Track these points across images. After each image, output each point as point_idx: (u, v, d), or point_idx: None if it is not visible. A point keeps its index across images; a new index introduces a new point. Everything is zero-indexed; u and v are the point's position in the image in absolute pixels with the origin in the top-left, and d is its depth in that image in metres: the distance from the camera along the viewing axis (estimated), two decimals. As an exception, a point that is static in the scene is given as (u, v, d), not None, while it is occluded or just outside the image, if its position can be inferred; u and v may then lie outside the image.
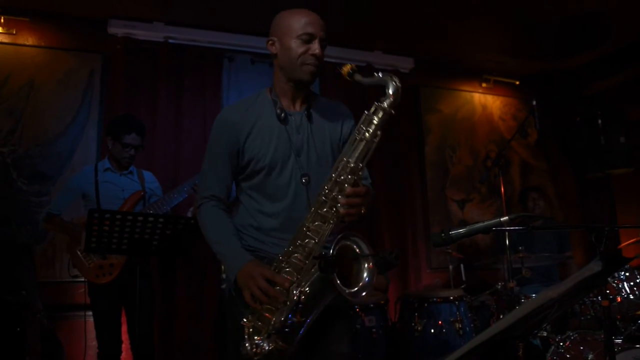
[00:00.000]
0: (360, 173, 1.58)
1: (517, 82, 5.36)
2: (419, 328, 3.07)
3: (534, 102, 3.26)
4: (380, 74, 1.62)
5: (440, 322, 3.11)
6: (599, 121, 4.76)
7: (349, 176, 1.56)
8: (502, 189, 3.20)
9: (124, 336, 2.99)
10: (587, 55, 4.99)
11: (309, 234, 1.56)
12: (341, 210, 1.53)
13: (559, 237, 4.18)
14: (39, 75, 3.82)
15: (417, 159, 4.96)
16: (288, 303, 1.51)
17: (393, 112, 1.59)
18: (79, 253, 2.86)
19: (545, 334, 3.02)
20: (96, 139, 3.83)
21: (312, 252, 1.53)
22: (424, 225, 4.87)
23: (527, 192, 4.43)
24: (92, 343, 2.98)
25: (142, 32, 4.05)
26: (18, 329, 2.77)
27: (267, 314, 1.54)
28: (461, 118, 5.18)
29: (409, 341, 3.12)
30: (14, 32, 3.83)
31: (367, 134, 1.57)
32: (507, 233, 3.06)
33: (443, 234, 1.70)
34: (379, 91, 4.77)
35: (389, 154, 4.70)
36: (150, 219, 2.54)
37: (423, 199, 4.91)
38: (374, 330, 3.04)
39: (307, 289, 1.51)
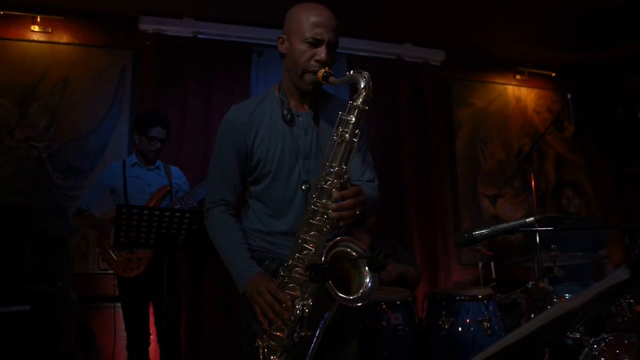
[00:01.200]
0: (345, 176, 1.54)
1: (553, 74, 5.19)
2: (446, 326, 3.02)
3: (569, 96, 3.13)
4: (350, 72, 1.57)
5: (468, 321, 3.05)
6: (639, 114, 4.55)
7: (335, 180, 1.53)
8: (533, 186, 3.09)
9: (152, 328, 3.06)
10: (628, 45, 4.77)
11: (306, 245, 1.54)
12: (332, 215, 1.50)
13: (595, 235, 4.04)
14: (73, 72, 3.91)
15: (448, 154, 4.87)
16: (292, 318, 1.49)
17: (367, 107, 1.55)
18: (107, 247, 2.93)
19: (578, 335, 2.93)
20: (127, 135, 3.91)
21: (318, 259, 1.50)
22: (454, 220, 4.79)
23: (561, 188, 4.27)
24: (122, 334, 3.05)
25: (172, 28, 4.09)
26: (52, 319, 2.87)
27: (278, 333, 1.53)
28: (494, 111, 5.05)
29: (435, 340, 3.07)
30: (50, 30, 3.93)
31: (346, 135, 1.53)
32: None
33: (466, 235, 1.65)
34: (411, 84, 4.68)
35: (419, 149, 4.63)
36: (177, 214, 2.57)
37: (453, 194, 4.83)
38: (399, 327, 3.00)
39: (310, 301, 1.48)
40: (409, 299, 3.15)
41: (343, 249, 1.51)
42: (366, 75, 1.56)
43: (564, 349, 3.20)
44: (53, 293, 3.04)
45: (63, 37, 3.97)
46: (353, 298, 1.46)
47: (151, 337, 3.04)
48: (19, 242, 2.87)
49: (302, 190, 1.69)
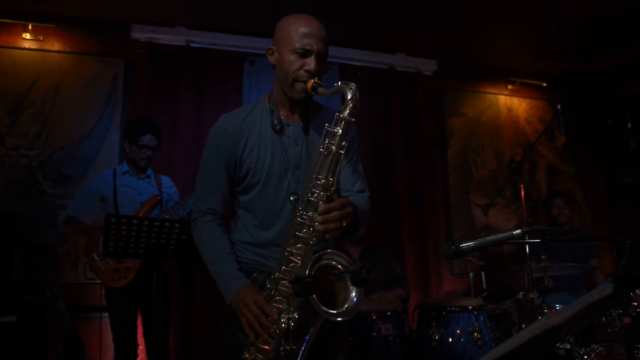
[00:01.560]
0: (332, 188, 1.54)
1: (545, 84, 5.23)
2: (436, 337, 3.01)
3: (559, 106, 3.16)
4: (338, 83, 1.58)
5: (458, 332, 3.04)
6: (629, 125, 4.58)
7: (321, 193, 1.53)
8: (523, 197, 3.10)
9: (140, 339, 3.03)
10: (618, 56, 4.81)
11: (292, 257, 1.53)
12: (318, 227, 1.49)
13: (586, 245, 4.05)
14: (65, 80, 3.90)
15: (439, 163, 4.88)
16: (278, 331, 1.48)
17: (353, 119, 1.56)
18: (95, 256, 2.91)
19: (568, 346, 2.93)
20: (119, 143, 3.90)
21: (302, 273, 1.49)
22: (446, 230, 4.80)
23: (551, 198, 4.29)
24: (110, 344, 3.02)
25: (164, 37, 4.10)
26: (40, 329, 2.83)
27: (265, 346, 1.52)
28: (486, 121, 5.08)
29: (425, 350, 3.06)
30: (41, 38, 3.92)
31: (332, 147, 1.53)
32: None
33: (454, 247, 1.65)
34: (403, 93, 4.70)
35: (411, 158, 4.64)
36: (166, 224, 2.56)
37: (445, 203, 4.83)
38: (390, 338, 2.99)
39: (295, 315, 1.47)
40: (400, 310, 3.14)
41: (328, 262, 1.50)
42: (353, 87, 1.56)
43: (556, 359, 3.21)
44: (41, 303, 3.01)
45: (54, 45, 3.96)
46: (337, 313, 1.45)
47: (139, 347, 3.01)
48: (7, 251, 2.84)
49: (290, 201, 1.69)
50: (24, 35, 3.88)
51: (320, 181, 1.53)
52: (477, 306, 3.11)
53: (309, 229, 1.52)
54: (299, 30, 1.63)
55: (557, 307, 3.19)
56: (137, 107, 3.90)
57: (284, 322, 1.46)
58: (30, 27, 3.88)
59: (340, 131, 1.54)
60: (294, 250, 1.54)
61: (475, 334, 3.00)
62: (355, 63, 4.64)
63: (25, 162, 3.72)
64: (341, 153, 1.54)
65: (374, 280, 3.45)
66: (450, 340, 3.02)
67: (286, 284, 1.52)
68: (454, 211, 4.82)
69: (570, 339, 2.95)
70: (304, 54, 1.63)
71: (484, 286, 3.57)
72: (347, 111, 1.55)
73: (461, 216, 4.84)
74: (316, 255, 1.49)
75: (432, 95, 4.91)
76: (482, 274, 3.63)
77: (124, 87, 4.02)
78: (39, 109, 3.82)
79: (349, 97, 1.55)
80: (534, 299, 2.90)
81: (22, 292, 2.94)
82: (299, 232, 1.54)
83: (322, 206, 1.51)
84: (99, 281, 2.98)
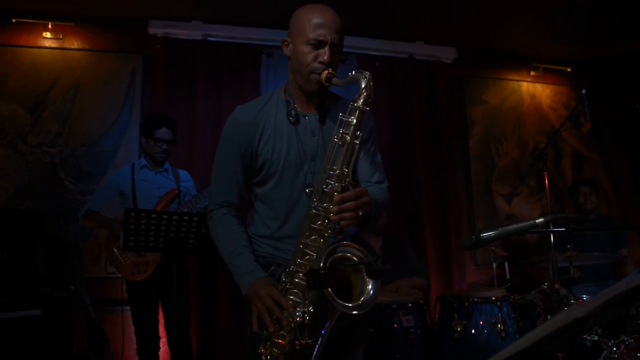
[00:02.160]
0: (347, 179, 1.51)
1: (569, 69, 5.09)
2: (459, 329, 2.96)
3: (584, 92, 3.06)
4: (352, 72, 1.56)
5: (481, 323, 2.99)
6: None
7: (336, 184, 1.50)
8: (547, 184, 3.02)
9: (162, 332, 3.06)
10: (646, 38, 4.65)
11: (307, 250, 1.51)
12: (333, 218, 1.47)
13: (613, 234, 3.93)
14: (84, 78, 3.95)
15: (461, 152, 4.80)
16: (293, 325, 1.46)
17: (367, 108, 1.53)
18: (115, 251, 2.94)
19: (596, 337, 2.85)
20: (138, 138, 3.91)
21: (316, 266, 1.47)
22: (468, 220, 4.73)
23: (577, 186, 4.17)
24: (133, 337, 3.05)
25: (181, 31, 4.11)
26: (64, 322, 2.89)
27: (280, 340, 1.50)
28: (508, 108, 4.97)
29: (447, 342, 3.01)
30: (61, 36, 3.97)
31: (347, 137, 1.51)
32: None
33: (474, 237, 1.61)
34: (422, 82, 4.63)
35: (431, 148, 4.57)
36: (185, 217, 2.57)
37: (468, 193, 4.76)
38: (411, 330, 2.95)
39: (310, 308, 1.44)
40: (421, 301, 3.10)
41: (343, 254, 1.47)
42: (367, 76, 1.54)
43: (582, 351, 3.12)
44: (64, 297, 3.06)
45: (74, 43, 4.01)
46: (353, 305, 1.42)
47: (161, 340, 3.04)
48: (31, 247, 2.90)
49: (306, 193, 1.66)
50: (44, 34, 3.94)
51: (334, 172, 1.51)
52: (500, 297, 3.05)
53: (324, 221, 1.50)
54: (312, 21, 1.61)
55: (584, 297, 3.11)
56: (155, 102, 3.92)
57: (299, 316, 1.44)
58: (50, 26, 3.93)
59: (354, 120, 1.51)
60: (309, 243, 1.52)
61: (499, 326, 2.94)
62: (374, 53, 4.59)
63: (48, 159, 3.78)
64: (356, 143, 1.52)
65: (389, 271, 3.42)
66: (472, 331, 2.97)
67: (302, 277, 1.50)
68: (476, 201, 4.74)
69: (598, 330, 2.88)
70: (318, 45, 1.61)
71: (508, 276, 3.50)
72: (362, 100, 1.52)
73: (484, 206, 4.76)
74: (331, 247, 1.47)
75: (453, 83, 4.82)
76: (506, 264, 3.56)
77: (142, 83, 4.05)
78: (59, 107, 3.87)
79: (362, 86, 1.53)
80: (559, 290, 2.82)
81: (46, 287, 3.00)
82: (314, 224, 1.52)
83: (336, 196, 1.48)
84: (119, 275, 3.01)
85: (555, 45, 4.81)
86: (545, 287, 2.99)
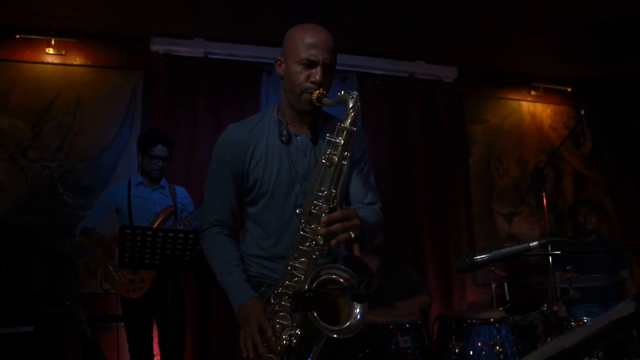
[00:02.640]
0: (335, 200, 1.49)
1: (569, 89, 5.09)
2: (457, 350, 2.91)
3: (582, 112, 3.05)
4: (341, 92, 1.55)
5: (479, 345, 2.95)
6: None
7: (324, 205, 1.49)
8: (545, 204, 3.00)
9: (157, 349, 3.02)
10: (646, 58, 4.66)
11: (295, 272, 1.50)
12: (319, 240, 1.45)
13: (615, 256, 3.90)
14: (85, 93, 3.98)
15: (461, 171, 4.79)
16: (280, 348, 1.43)
17: (355, 128, 1.52)
18: (110, 268, 2.93)
19: (597, 360, 2.81)
20: (137, 154, 3.93)
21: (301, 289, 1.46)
22: (468, 240, 4.70)
23: (577, 206, 4.15)
24: (128, 353, 3.02)
25: (183, 49, 4.15)
26: (57, 339, 2.86)
27: None
28: (508, 128, 4.97)
29: (445, 364, 2.97)
30: (64, 52, 4.01)
31: (335, 158, 1.50)
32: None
33: (467, 259, 1.59)
34: (423, 101, 4.64)
35: (431, 166, 4.57)
36: (181, 235, 2.56)
37: (467, 212, 4.73)
38: (409, 351, 2.90)
39: (297, 331, 1.42)
40: (419, 322, 3.06)
41: (327, 276, 1.44)
42: (354, 96, 1.54)
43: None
44: (59, 313, 3.04)
45: (76, 59, 4.04)
46: (338, 329, 1.39)
47: (156, 358, 3.00)
48: (26, 262, 2.88)
49: (297, 214, 1.65)
50: (47, 50, 3.98)
51: (322, 193, 1.50)
52: (499, 318, 3.01)
53: (312, 242, 1.49)
54: (305, 41, 1.61)
55: (585, 319, 3.06)
56: (156, 118, 3.94)
57: (285, 339, 1.42)
58: (53, 42, 3.97)
59: (342, 141, 1.51)
60: (297, 265, 1.50)
61: (497, 347, 2.89)
62: (375, 72, 4.61)
63: (47, 174, 3.79)
64: (344, 164, 1.51)
65: (389, 292, 3.34)
66: (471, 353, 2.92)
67: (289, 299, 1.48)
68: (476, 220, 4.72)
69: (600, 354, 2.83)
70: (310, 64, 1.60)
71: (507, 297, 3.46)
72: (349, 120, 1.52)
73: (484, 225, 4.73)
74: (316, 270, 1.44)
75: (453, 102, 4.83)
76: (505, 284, 3.52)
77: (143, 99, 4.08)
78: (60, 121, 3.89)
79: (350, 106, 1.52)
80: (558, 312, 2.78)
81: (40, 302, 2.97)
82: (302, 246, 1.50)
83: (324, 217, 1.47)
84: (115, 292, 2.99)
85: (555, 66, 4.83)
86: (545, 308, 2.94)
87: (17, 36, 3.90)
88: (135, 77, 4.10)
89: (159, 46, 4.09)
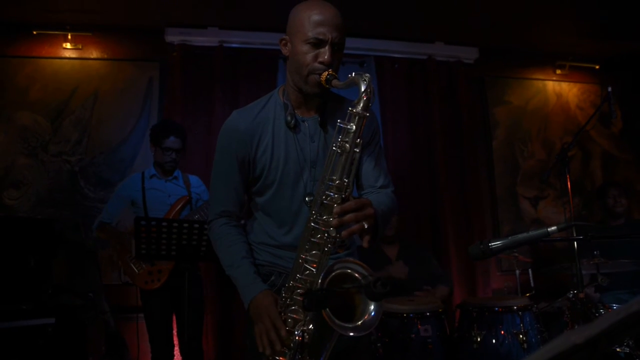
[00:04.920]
0: (347, 190, 1.41)
1: (597, 67, 4.88)
2: (478, 339, 2.84)
3: (610, 89, 2.90)
4: (352, 74, 1.45)
5: (502, 333, 2.86)
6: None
7: (336, 195, 1.41)
8: (570, 187, 2.88)
9: (176, 340, 3.04)
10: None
11: (307, 265, 1.44)
12: (332, 233, 1.39)
13: (646, 239, 3.73)
14: (103, 86, 4.00)
15: (484, 155, 4.67)
16: (292, 344, 1.39)
17: (368, 114, 1.43)
18: (128, 260, 2.94)
19: (628, 350, 2.70)
20: (155, 146, 3.95)
21: (312, 285, 1.40)
22: (492, 224, 4.59)
23: (606, 188, 3.98)
24: (149, 344, 3.05)
25: (198, 38, 4.12)
26: (80, 330, 2.90)
27: (280, 358, 1.44)
28: (533, 109, 4.80)
29: (467, 353, 2.89)
30: (80, 47, 4.04)
31: (346, 145, 1.41)
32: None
33: (482, 246, 1.52)
34: (443, 84, 4.49)
35: (453, 151, 4.46)
36: (196, 225, 2.54)
37: (491, 196, 4.62)
38: (429, 340, 2.84)
39: (310, 327, 1.37)
40: (440, 310, 2.99)
41: (343, 271, 1.39)
42: (367, 78, 1.43)
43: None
44: (81, 305, 3.07)
45: (93, 53, 4.07)
46: (352, 327, 1.33)
47: (175, 348, 3.02)
48: (47, 255, 2.92)
49: (306, 202, 1.59)
50: (64, 45, 4.01)
51: (334, 182, 1.42)
52: (523, 306, 2.91)
53: (324, 234, 1.42)
54: (312, 19, 1.51)
55: (614, 307, 2.95)
56: (173, 109, 3.94)
57: (298, 335, 1.37)
58: (69, 37, 4.00)
59: (354, 127, 1.41)
60: (308, 257, 1.45)
61: (521, 336, 2.81)
62: (393, 55, 4.51)
63: (68, 167, 3.84)
64: (356, 151, 1.42)
65: (410, 282, 3.25)
66: (493, 342, 2.84)
67: (301, 293, 1.43)
68: (500, 204, 4.60)
69: (630, 342, 2.72)
70: (318, 44, 1.51)
71: (532, 284, 3.36)
72: (361, 105, 1.42)
73: (508, 209, 4.61)
74: (330, 265, 1.39)
75: (474, 84, 4.70)
76: (530, 271, 3.42)
77: (159, 90, 4.09)
78: (79, 115, 3.93)
79: (362, 90, 1.42)
80: (584, 298, 2.68)
81: (64, 294, 3.01)
82: (314, 238, 1.44)
83: (336, 208, 1.40)
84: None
85: (582, 42, 4.63)
86: (571, 295, 2.83)
87: (35, 32, 3.94)
88: (151, 68, 4.11)
89: (173, 37, 4.07)
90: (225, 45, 4.17)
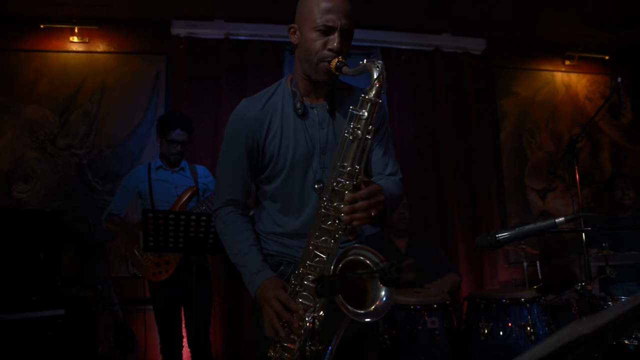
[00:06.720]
0: (358, 176, 1.41)
1: (607, 57, 4.82)
2: (486, 331, 2.84)
3: (619, 80, 2.87)
4: (364, 61, 1.45)
5: (510, 325, 2.86)
6: None
7: (347, 182, 1.41)
8: (578, 179, 2.86)
9: (185, 331, 3.06)
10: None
11: (317, 252, 1.43)
12: (344, 218, 1.38)
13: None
14: (110, 80, 4.01)
15: (492, 146, 4.65)
16: (303, 331, 1.38)
17: (380, 101, 1.43)
18: (136, 252, 2.96)
19: (636, 342, 2.69)
20: (163, 138, 3.96)
21: (324, 271, 1.40)
22: (500, 216, 4.57)
23: (614, 180, 3.95)
24: (157, 335, 3.08)
25: (204, 31, 4.12)
26: (89, 321, 2.93)
27: (290, 344, 1.43)
28: (541, 100, 4.76)
29: (474, 345, 2.90)
30: (87, 40, 4.05)
31: (358, 132, 1.41)
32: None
33: (489, 237, 1.52)
34: (450, 75, 4.46)
35: (460, 142, 4.44)
36: (203, 217, 2.55)
37: (499, 188, 4.60)
38: (436, 332, 2.84)
39: (321, 313, 1.37)
40: (447, 302, 2.99)
41: (355, 257, 1.39)
42: (379, 65, 1.44)
43: (625, 355, 2.95)
44: (90, 297, 3.10)
45: (100, 46, 4.08)
46: (365, 313, 1.34)
47: (184, 340, 3.04)
48: (55, 247, 2.94)
49: (315, 189, 1.59)
50: (71, 38, 4.03)
51: (345, 169, 1.42)
52: (530, 298, 2.90)
53: (335, 221, 1.42)
54: (321, 6, 1.51)
55: (623, 299, 2.93)
56: (179, 101, 3.94)
57: (309, 321, 1.37)
58: (76, 31, 4.01)
59: (366, 114, 1.42)
60: (319, 244, 1.44)
61: (528, 328, 2.80)
62: (399, 46, 4.48)
63: (76, 160, 3.86)
64: (368, 138, 1.43)
65: (418, 273, 3.24)
66: (500, 334, 2.84)
67: (311, 279, 1.43)
68: (508, 196, 4.58)
69: (639, 334, 2.71)
70: (327, 31, 1.51)
71: (539, 276, 3.35)
72: (374, 92, 1.43)
73: (516, 201, 4.59)
74: (342, 251, 1.39)
75: (482, 75, 4.67)
76: (537, 263, 3.41)
77: (166, 83, 4.09)
78: (86, 109, 3.95)
79: (375, 77, 1.43)
80: (592, 291, 2.67)
81: (71, 287, 3.04)
82: (324, 225, 1.44)
83: (348, 195, 1.40)
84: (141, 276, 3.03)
85: (591, 32, 4.57)
86: (579, 287, 2.82)
87: (42, 26, 3.95)
88: (157, 61, 4.11)
89: (179, 29, 4.07)
90: (231, 37, 4.16)
